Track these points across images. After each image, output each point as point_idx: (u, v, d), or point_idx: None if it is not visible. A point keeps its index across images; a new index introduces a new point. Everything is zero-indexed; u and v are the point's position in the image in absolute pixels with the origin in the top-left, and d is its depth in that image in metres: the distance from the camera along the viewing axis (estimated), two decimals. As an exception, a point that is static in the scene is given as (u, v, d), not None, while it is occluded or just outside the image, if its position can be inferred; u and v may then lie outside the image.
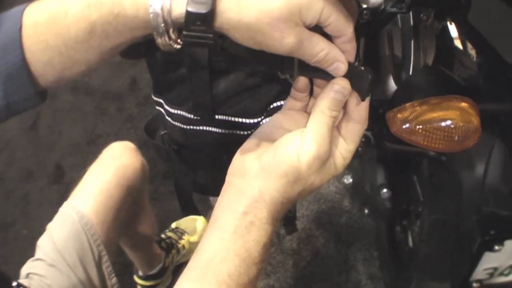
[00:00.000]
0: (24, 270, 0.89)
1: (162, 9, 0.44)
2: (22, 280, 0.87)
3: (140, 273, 1.47)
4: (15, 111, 0.53)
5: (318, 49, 0.47)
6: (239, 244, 0.50)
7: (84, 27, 0.46)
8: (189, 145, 0.63)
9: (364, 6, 0.58)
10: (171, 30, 0.45)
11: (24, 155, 1.99)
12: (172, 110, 0.62)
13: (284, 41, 0.44)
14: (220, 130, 0.59)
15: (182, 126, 0.61)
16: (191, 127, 0.61)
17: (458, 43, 0.96)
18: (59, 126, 2.05)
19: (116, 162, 1.05)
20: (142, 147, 1.89)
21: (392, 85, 0.70)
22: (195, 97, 0.59)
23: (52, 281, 0.87)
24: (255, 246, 0.50)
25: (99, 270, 0.94)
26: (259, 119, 0.58)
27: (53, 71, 0.50)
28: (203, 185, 0.71)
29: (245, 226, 0.50)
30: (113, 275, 0.98)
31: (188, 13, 0.43)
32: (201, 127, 0.60)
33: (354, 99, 0.49)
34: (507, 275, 0.80)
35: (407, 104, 0.54)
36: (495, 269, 0.78)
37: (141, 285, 1.50)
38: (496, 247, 0.73)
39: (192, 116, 0.61)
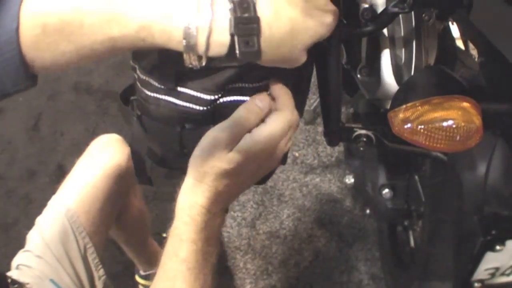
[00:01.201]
0: (15, 261, 0.91)
1: (197, 45, 0.44)
2: (12, 272, 0.89)
3: (141, 272, 1.47)
4: (4, 96, 0.48)
5: None
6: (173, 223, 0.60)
7: (101, 40, 0.44)
8: (149, 112, 0.64)
9: (366, 6, 0.59)
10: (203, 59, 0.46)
11: (26, 154, 1.99)
12: (142, 76, 0.64)
13: (301, 61, 0.51)
14: (177, 102, 0.60)
15: (147, 92, 0.62)
16: (154, 94, 0.62)
17: (460, 43, 0.96)
18: (61, 126, 2.06)
19: (102, 154, 1.07)
20: (143, 147, 1.87)
21: (393, 85, 0.70)
22: (162, 67, 0.60)
23: (40, 272, 0.89)
24: (176, 223, 0.60)
25: (85, 262, 0.96)
26: (215, 97, 0.58)
27: (53, 69, 0.48)
28: (158, 156, 0.72)
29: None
30: (100, 266, 0.99)
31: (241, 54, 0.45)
32: (162, 96, 0.61)
33: None
34: (508, 275, 0.80)
35: (409, 104, 0.54)
36: (497, 269, 0.78)
37: (142, 284, 1.50)
38: (498, 247, 0.73)
39: (157, 84, 0.61)
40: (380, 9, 0.63)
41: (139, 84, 0.65)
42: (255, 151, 0.55)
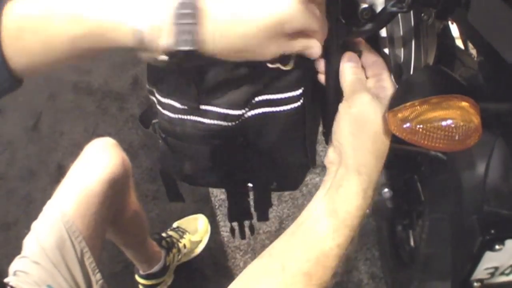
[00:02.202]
0: (12, 268, 0.91)
1: (145, 40, 0.45)
2: (9, 278, 0.89)
3: (141, 272, 1.47)
4: None
5: (297, 48, 0.51)
6: (329, 204, 0.53)
7: (67, 40, 0.47)
8: (175, 134, 0.64)
9: (364, 5, 0.59)
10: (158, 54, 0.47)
11: (26, 154, 1.99)
12: (162, 99, 0.63)
13: (268, 53, 0.48)
14: (205, 120, 0.60)
15: (170, 115, 0.62)
16: (178, 116, 0.61)
17: (459, 43, 0.96)
18: (61, 126, 2.06)
19: (96, 158, 1.08)
20: (144, 146, 1.89)
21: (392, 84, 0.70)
22: (182, 88, 0.60)
23: (37, 278, 0.89)
24: (345, 206, 0.53)
25: (82, 267, 0.96)
26: (243, 111, 0.58)
27: (30, 70, 0.51)
28: (188, 175, 0.72)
29: (335, 187, 0.54)
30: (97, 271, 0.99)
31: (179, 51, 0.45)
32: (187, 117, 0.61)
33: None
34: (508, 274, 0.80)
35: (408, 104, 0.54)
36: (496, 268, 0.78)
37: (142, 284, 1.50)
38: (497, 247, 0.73)
39: (179, 106, 0.61)
40: (379, 8, 0.63)
41: (160, 108, 0.65)
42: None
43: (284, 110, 0.60)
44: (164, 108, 0.64)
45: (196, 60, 0.47)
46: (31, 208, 1.79)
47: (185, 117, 0.62)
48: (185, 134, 0.63)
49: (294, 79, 0.58)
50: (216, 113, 0.59)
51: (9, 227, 1.76)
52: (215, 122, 0.60)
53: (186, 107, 0.61)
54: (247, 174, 0.71)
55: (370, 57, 0.60)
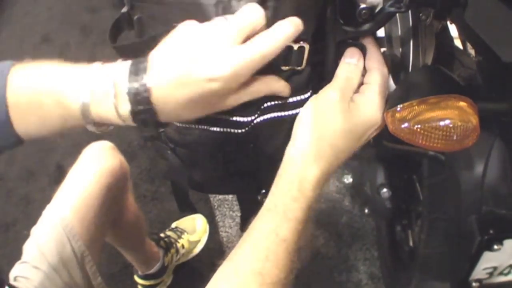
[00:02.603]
0: (12, 273, 0.91)
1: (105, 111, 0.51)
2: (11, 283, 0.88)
3: (140, 273, 1.47)
4: None
5: (260, 94, 0.54)
6: (270, 199, 0.54)
7: (57, 117, 0.52)
8: (184, 143, 0.64)
9: (362, 5, 0.59)
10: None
11: (25, 155, 1.99)
12: None
13: (227, 106, 0.52)
14: (214, 128, 0.60)
15: (178, 124, 0.62)
16: (186, 125, 0.61)
17: (458, 43, 0.96)
18: (60, 126, 2.05)
19: (94, 162, 1.07)
20: (142, 147, 1.89)
21: (391, 84, 0.70)
22: None
23: (38, 283, 0.88)
24: (283, 199, 0.53)
25: (83, 271, 0.96)
26: (253, 117, 0.58)
27: (34, 133, 0.54)
28: (200, 183, 0.71)
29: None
30: (97, 274, 0.99)
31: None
32: (196, 126, 0.60)
33: None
34: (506, 274, 0.80)
35: (406, 104, 0.54)
36: (495, 268, 0.78)
37: (141, 284, 1.50)
38: (496, 247, 0.73)
39: None
40: (377, 9, 0.63)
41: None
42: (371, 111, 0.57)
43: (292, 114, 0.60)
44: None
45: (152, 124, 0.50)
46: (30, 209, 1.79)
47: (194, 126, 0.61)
48: (194, 143, 0.62)
49: (303, 81, 0.58)
50: (226, 121, 0.59)
51: (8, 227, 1.76)
52: (226, 129, 0.60)
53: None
54: (259, 180, 0.70)
55: (371, 63, 0.60)
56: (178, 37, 0.49)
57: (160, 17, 0.56)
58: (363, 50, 0.60)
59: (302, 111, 0.57)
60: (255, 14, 0.49)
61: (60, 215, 0.97)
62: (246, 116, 0.58)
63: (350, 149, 0.57)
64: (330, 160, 0.55)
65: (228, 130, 0.59)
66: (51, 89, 0.50)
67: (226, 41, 0.47)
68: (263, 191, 0.73)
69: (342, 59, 0.59)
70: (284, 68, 0.55)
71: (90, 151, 1.11)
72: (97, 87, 0.49)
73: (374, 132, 0.59)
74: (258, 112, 0.58)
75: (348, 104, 0.56)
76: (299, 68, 0.56)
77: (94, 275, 0.98)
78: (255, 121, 0.59)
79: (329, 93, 0.56)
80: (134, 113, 0.49)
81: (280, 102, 0.59)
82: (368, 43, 0.61)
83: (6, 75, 0.50)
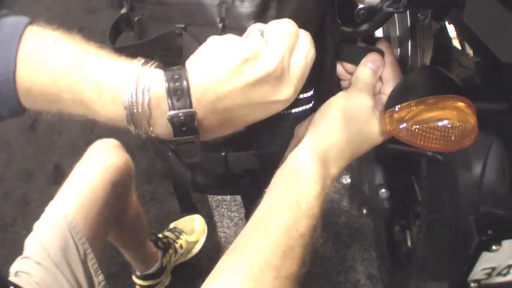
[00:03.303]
0: (13, 268, 0.90)
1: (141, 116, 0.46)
2: (11, 279, 0.87)
3: (138, 273, 1.47)
4: None
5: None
6: (289, 195, 0.53)
7: (72, 101, 0.47)
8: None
9: (361, 6, 0.59)
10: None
11: (23, 155, 1.99)
12: None
13: (263, 113, 0.51)
14: None
15: None
16: None
17: (456, 43, 0.96)
18: (58, 126, 2.05)
19: (99, 159, 1.07)
20: (141, 147, 1.89)
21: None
22: None
23: (39, 279, 0.88)
24: (305, 196, 0.53)
25: (85, 268, 0.95)
26: None
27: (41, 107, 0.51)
28: (202, 184, 0.71)
29: (294, 175, 0.54)
30: (99, 272, 0.98)
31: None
32: None
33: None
34: (505, 275, 0.80)
35: (404, 104, 0.54)
36: (493, 269, 0.78)
37: (139, 285, 1.50)
38: (494, 247, 0.73)
39: None
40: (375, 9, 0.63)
41: None
42: None
43: (295, 112, 0.60)
44: None
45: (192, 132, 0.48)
46: (28, 209, 1.79)
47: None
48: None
49: (307, 79, 0.58)
50: None
51: (6, 228, 1.76)
52: None
53: None
54: (262, 179, 0.70)
55: (388, 73, 0.60)
56: (218, 50, 0.47)
57: (161, 18, 0.56)
58: (383, 57, 0.60)
59: (328, 111, 0.57)
60: (291, 30, 0.49)
61: (64, 211, 0.96)
62: None
63: (364, 151, 0.58)
64: (348, 161, 0.57)
65: None
66: (76, 84, 0.46)
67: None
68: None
69: (363, 62, 0.60)
70: None
71: (96, 148, 1.11)
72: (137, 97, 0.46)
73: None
74: None
75: (373, 112, 0.57)
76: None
77: (96, 273, 0.97)
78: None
79: (362, 98, 0.57)
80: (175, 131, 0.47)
81: None
82: (386, 51, 0.61)
83: (17, 46, 0.46)
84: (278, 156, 0.63)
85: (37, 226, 0.97)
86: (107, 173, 1.05)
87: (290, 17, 0.51)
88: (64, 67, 0.46)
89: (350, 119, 0.56)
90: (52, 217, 0.97)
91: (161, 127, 0.47)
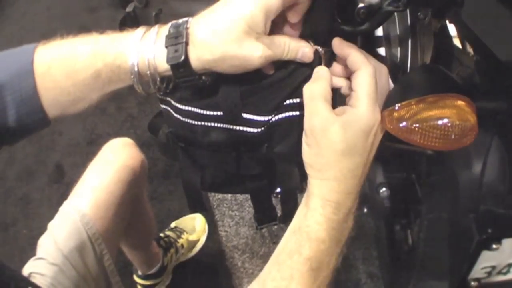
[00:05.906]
0: (26, 269, 0.88)
1: (148, 66, 0.55)
2: None
3: (140, 273, 1.47)
4: (24, 133, 0.61)
5: (283, 44, 0.55)
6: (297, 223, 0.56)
7: (91, 73, 0.56)
8: (197, 142, 0.63)
9: (361, 4, 0.59)
10: (158, 80, 0.57)
11: (24, 154, 1.99)
12: (182, 107, 0.62)
13: (255, 55, 0.53)
14: (233, 127, 0.60)
15: (193, 122, 0.62)
16: (203, 123, 0.61)
17: (457, 42, 0.96)
18: (59, 126, 2.05)
19: (116, 158, 1.05)
20: (141, 146, 1.89)
21: (389, 83, 0.70)
22: (204, 93, 0.60)
23: (54, 280, 0.86)
24: (305, 222, 0.55)
25: (101, 268, 0.94)
26: (270, 117, 0.58)
27: (59, 107, 0.59)
28: (211, 183, 0.71)
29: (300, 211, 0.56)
30: (115, 273, 0.97)
31: (171, 66, 0.54)
32: (213, 124, 0.60)
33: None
34: (505, 273, 0.80)
35: (404, 103, 0.54)
36: (493, 267, 0.78)
37: (141, 284, 1.50)
38: (494, 246, 0.73)
39: (203, 112, 0.61)
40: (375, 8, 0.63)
41: (179, 116, 0.64)
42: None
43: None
44: (184, 116, 0.63)
45: (188, 74, 0.54)
46: (29, 208, 1.79)
47: (211, 124, 0.61)
48: (210, 142, 0.62)
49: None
50: (244, 119, 0.59)
51: (7, 227, 1.76)
52: (243, 128, 0.60)
53: (211, 113, 0.60)
54: (272, 179, 0.70)
55: (353, 64, 0.56)
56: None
57: (182, 13, 0.56)
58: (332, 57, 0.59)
59: (329, 136, 0.53)
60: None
61: (80, 212, 0.94)
62: (266, 115, 0.58)
63: (363, 164, 0.57)
64: (347, 182, 0.56)
65: (246, 129, 0.59)
66: (89, 52, 0.56)
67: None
68: (278, 189, 0.73)
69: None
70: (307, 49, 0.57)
71: (112, 147, 1.09)
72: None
73: (378, 135, 0.56)
74: (276, 111, 0.58)
75: (341, 123, 0.53)
76: (322, 49, 0.58)
77: (112, 273, 0.96)
78: (271, 120, 0.59)
79: (316, 116, 0.54)
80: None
81: (295, 101, 0.59)
82: (337, 46, 0.57)
83: (33, 50, 0.58)
84: (289, 157, 0.64)
85: (52, 226, 0.95)
86: (124, 174, 1.03)
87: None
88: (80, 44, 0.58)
89: (317, 144, 0.53)
90: (68, 217, 0.94)
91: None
